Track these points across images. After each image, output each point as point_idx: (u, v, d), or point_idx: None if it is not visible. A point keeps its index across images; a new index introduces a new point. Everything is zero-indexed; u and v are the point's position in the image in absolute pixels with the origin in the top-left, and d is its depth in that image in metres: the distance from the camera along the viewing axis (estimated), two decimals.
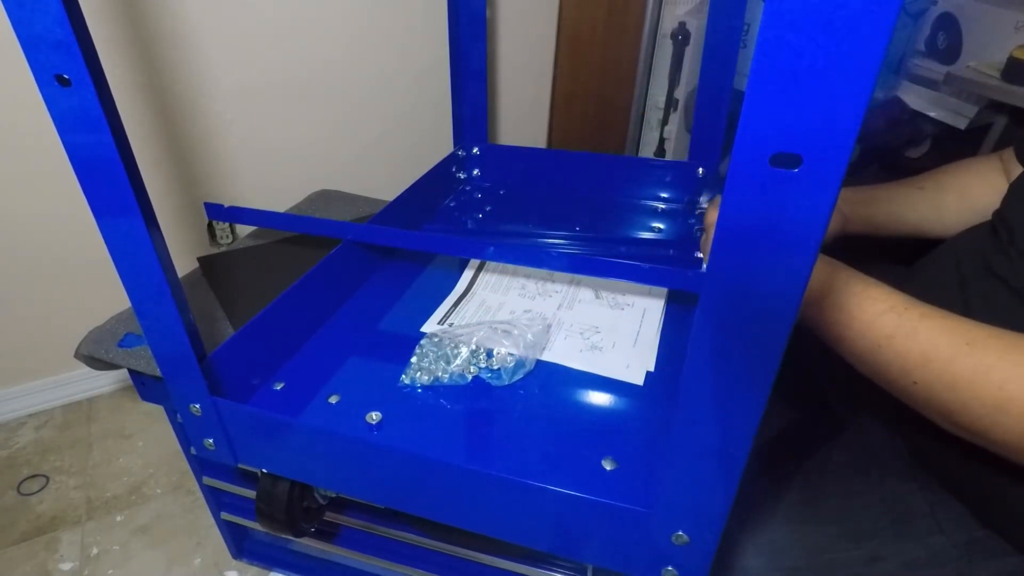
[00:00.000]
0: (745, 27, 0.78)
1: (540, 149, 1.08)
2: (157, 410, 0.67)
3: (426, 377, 0.50)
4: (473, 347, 0.52)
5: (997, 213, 0.49)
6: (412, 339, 0.54)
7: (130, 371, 0.56)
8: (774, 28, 0.19)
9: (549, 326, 0.57)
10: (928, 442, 0.48)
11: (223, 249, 0.77)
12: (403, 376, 0.51)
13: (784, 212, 0.22)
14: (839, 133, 0.20)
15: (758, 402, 0.28)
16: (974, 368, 0.34)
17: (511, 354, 0.51)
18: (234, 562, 0.75)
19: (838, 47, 0.19)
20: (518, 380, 0.51)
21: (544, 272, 0.66)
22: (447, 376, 0.50)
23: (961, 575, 0.43)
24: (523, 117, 1.15)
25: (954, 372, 0.34)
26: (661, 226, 0.76)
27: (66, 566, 0.77)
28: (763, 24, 0.19)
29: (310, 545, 0.63)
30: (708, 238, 0.56)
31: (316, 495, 0.52)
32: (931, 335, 0.36)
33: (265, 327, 0.51)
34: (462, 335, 0.53)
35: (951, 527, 0.45)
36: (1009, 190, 0.49)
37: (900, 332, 0.37)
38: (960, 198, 0.58)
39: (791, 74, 0.20)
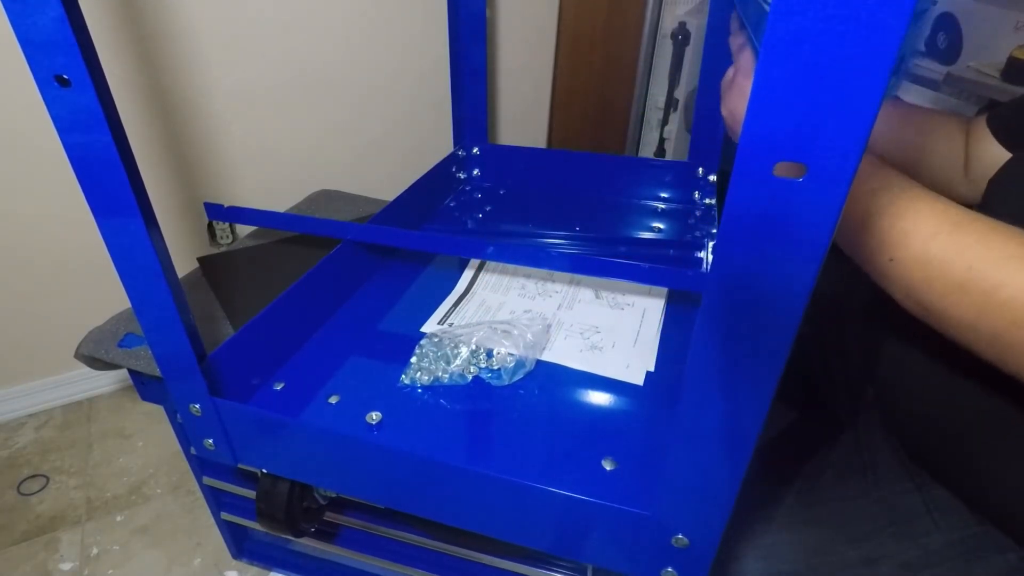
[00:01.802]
0: None
1: (540, 149, 1.08)
2: (157, 410, 0.67)
3: (426, 377, 0.50)
4: (473, 347, 0.52)
5: (979, 208, 0.48)
6: (412, 339, 0.54)
7: (130, 371, 0.56)
8: (780, 33, 0.19)
9: (549, 326, 0.57)
10: (925, 439, 0.48)
11: (223, 249, 0.77)
12: (403, 376, 0.51)
13: (788, 220, 0.22)
14: (846, 143, 0.20)
15: (761, 405, 0.27)
16: (948, 247, 0.34)
17: (511, 354, 0.51)
18: (234, 562, 0.75)
19: (847, 53, 0.18)
20: (518, 380, 0.51)
21: (544, 272, 0.66)
22: (447, 376, 0.50)
23: (958, 574, 0.43)
24: (523, 117, 1.15)
25: (930, 249, 0.35)
26: (661, 226, 0.76)
27: (66, 566, 0.77)
28: (768, 26, 0.19)
29: (310, 545, 0.63)
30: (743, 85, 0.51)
31: (316, 495, 0.52)
32: (919, 214, 0.36)
33: (265, 327, 0.51)
34: (462, 335, 0.53)
35: (948, 526, 0.45)
36: (989, 186, 0.48)
37: (890, 211, 0.37)
38: (918, 134, 0.57)
39: (796, 81, 0.19)
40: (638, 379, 0.51)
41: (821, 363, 0.61)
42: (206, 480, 0.61)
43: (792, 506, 0.49)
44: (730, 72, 0.55)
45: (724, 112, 0.56)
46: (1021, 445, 0.40)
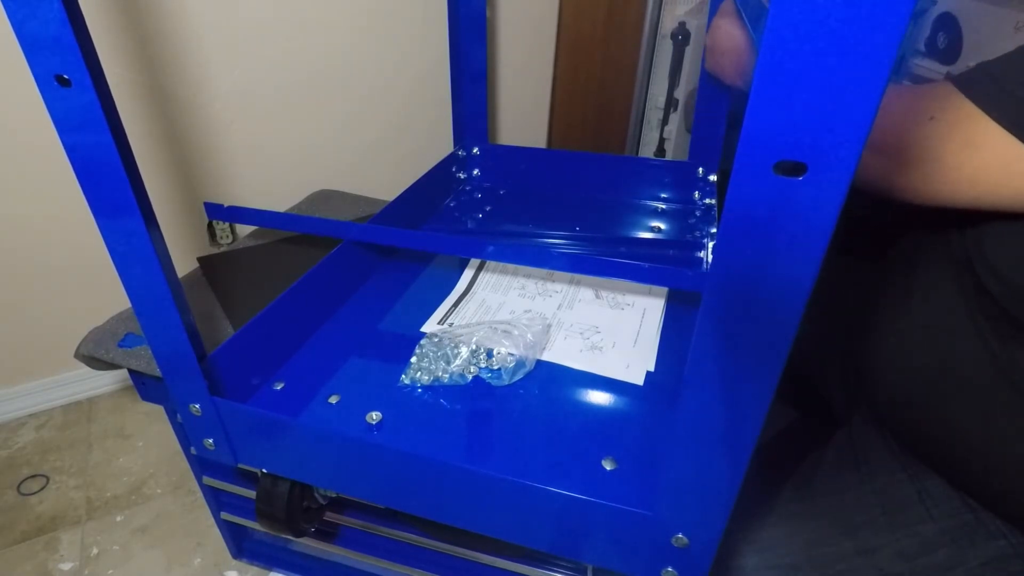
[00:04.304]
0: None
1: (540, 149, 1.08)
2: (157, 410, 0.67)
3: (426, 377, 0.50)
4: (473, 347, 0.52)
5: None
6: (412, 339, 0.54)
7: (130, 371, 0.56)
8: (779, 31, 0.19)
9: (549, 326, 0.57)
10: (915, 429, 0.48)
11: (223, 249, 0.77)
12: (403, 376, 0.51)
13: (788, 219, 0.22)
14: (845, 142, 0.20)
15: (761, 405, 0.27)
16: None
17: (511, 354, 0.51)
18: (234, 562, 0.75)
19: (846, 52, 0.18)
20: (518, 380, 0.51)
21: (544, 272, 0.66)
22: (447, 376, 0.50)
23: (952, 561, 0.44)
24: (523, 117, 1.15)
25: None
26: (661, 226, 0.76)
27: (66, 566, 0.77)
28: (768, 27, 0.19)
29: (310, 545, 0.63)
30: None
31: (316, 495, 0.52)
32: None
33: (265, 327, 0.51)
34: (462, 335, 0.53)
35: (940, 514, 0.45)
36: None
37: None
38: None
39: (796, 79, 0.19)
40: (638, 379, 0.51)
41: (816, 360, 0.61)
42: (206, 480, 0.61)
43: (788, 500, 0.50)
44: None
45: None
46: (1008, 427, 0.41)
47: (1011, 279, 0.38)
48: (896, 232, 0.55)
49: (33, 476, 0.89)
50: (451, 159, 0.85)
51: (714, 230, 0.72)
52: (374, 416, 0.47)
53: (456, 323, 0.58)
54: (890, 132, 0.40)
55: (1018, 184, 0.35)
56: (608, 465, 0.43)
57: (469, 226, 0.78)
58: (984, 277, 0.40)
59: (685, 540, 0.35)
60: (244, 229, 0.92)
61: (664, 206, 0.81)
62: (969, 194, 0.38)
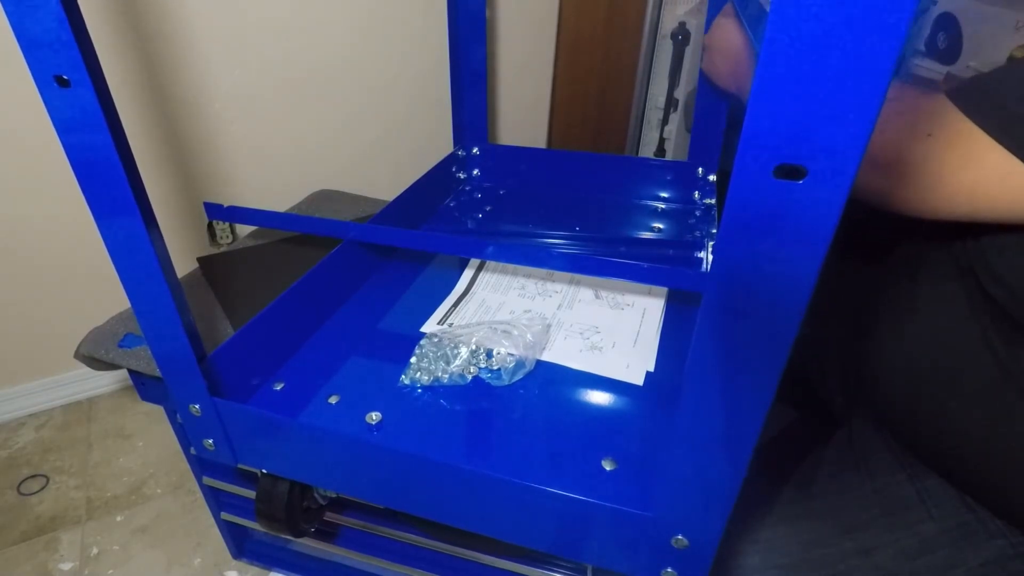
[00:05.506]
0: None
1: (540, 149, 1.08)
2: (157, 410, 0.67)
3: (426, 377, 0.50)
4: (473, 347, 0.52)
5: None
6: (412, 339, 0.54)
7: (130, 371, 0.56)
8: (780, 34, 0.19)
9: (549, 326, 0.57)
10: (915, 429, 0.48)
11: (223, 249, 0.77)
12: (403, 376, 0.51)
13: (788, 221, 0.22)
14: (846, 146, 0.20)
15: (761, 405, 0.27)
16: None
17: (511, 354, 0.51)
18: (234, 562, 0.75)
19: (847, 55, 0.18)
20: (518, 380, 0.51)
21: (544, 272, 0.66)
22: (447, 376, 0.50)
23: (952, 561, 0.44)
24: (523, 117, 1.15)
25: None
26: (661, 226, 0.76)
27: (66, 566, 0.77)
28: (768, 29, 0.19)
29: (310, 545, 0.63)
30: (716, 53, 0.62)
31: (316, 495, 0.52)
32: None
33: (265, 327, 0.51)
34: (462, 335, 0.53)
35: (940, 514, 0.46)
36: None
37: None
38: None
39: (797, 82, 0.19)
40: (638, 379, 0.51)
41: (815, 361, 0.61)
42: (206, 480, 0.61)
43: (789, 500, 0.50)
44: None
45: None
46: (1010, 428, 0.41)
47: (1014, 285, 0.39)
48: (898, 236, 0.55)
49: (33, 476, 0.89)
50: (451, 159, 0.85)
51: (714, 230, 0.72)
52: (374, 416, 0.47)
53: (456, 323, 0.58)
54: (887, 149, 0.40)
55: (1015, 198, 0.36)
56: (608, 465, 0.43)
57: (469, 226, 0.78)
58: (986, 283, 0.41)
59: (685, 541, 0.35)
60: (244, 229, 0.92)
61: (664, 206, 0.81)
62: (967, 208, 0.38)
